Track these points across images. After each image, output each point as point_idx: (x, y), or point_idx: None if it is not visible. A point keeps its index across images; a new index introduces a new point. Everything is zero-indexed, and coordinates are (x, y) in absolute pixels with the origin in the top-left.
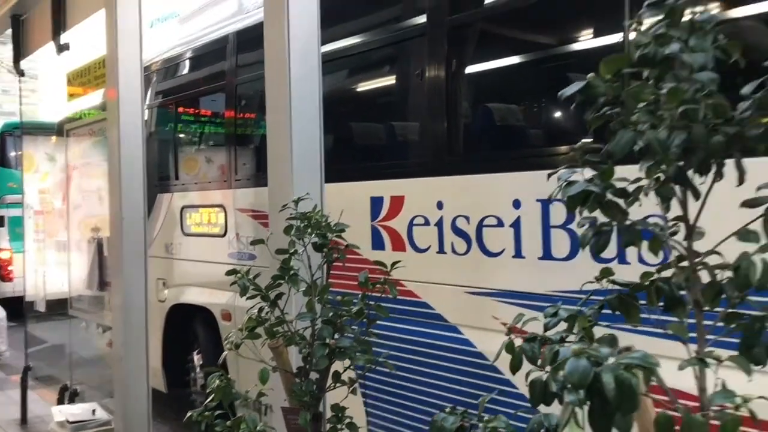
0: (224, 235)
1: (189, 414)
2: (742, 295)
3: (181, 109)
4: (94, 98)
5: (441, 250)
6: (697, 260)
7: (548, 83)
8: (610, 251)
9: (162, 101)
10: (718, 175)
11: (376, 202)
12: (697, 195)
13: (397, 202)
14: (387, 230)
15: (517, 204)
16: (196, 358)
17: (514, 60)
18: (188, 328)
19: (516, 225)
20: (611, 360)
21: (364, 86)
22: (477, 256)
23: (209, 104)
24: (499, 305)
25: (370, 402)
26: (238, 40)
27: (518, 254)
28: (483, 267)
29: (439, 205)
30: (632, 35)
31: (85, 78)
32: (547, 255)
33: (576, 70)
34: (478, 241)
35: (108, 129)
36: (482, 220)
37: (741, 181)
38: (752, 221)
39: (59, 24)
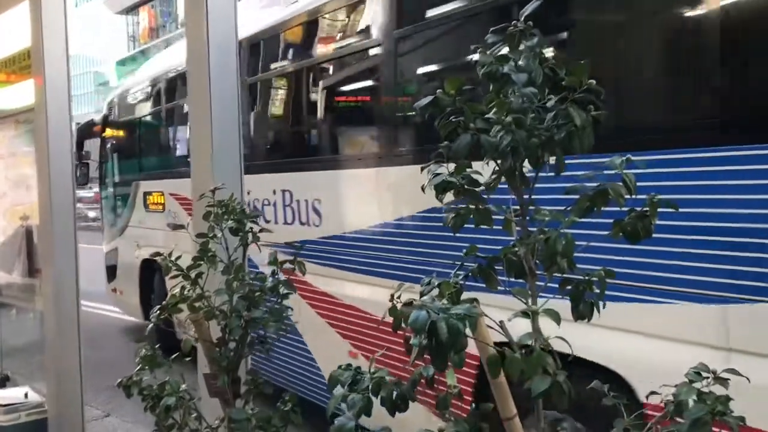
0: (164, 210)
1: (119, 380)
2: (569, 263)
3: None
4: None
5: None
6: (531, 237)
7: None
8: None
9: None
10: (542, 168)
11: None
12: (527, 184)
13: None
14: None
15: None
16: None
17: None
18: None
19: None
20: (444, 311)
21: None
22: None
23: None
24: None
25: None
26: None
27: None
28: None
29: None
30: (478, 56)
31: (9, 68)
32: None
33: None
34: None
35: (35, 118)
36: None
37: (557, 172)
38: (570, 206)
39: None
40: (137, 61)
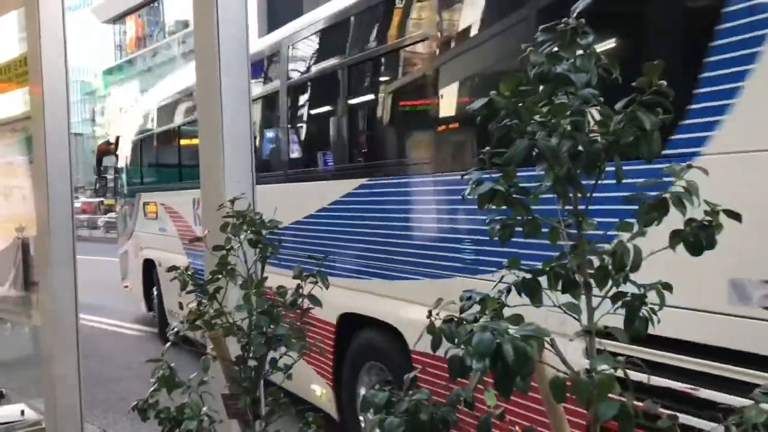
0: (157, 218)
1: (134, 403)
2: (624, 277)
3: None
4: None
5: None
6: (586, 248)
7: None
8: None
9: (134, 138)
10: (601, 176)
11: None
12: (584, 192)
13: None
14: None
15: None
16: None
17: None
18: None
19: None
20: (511, 332)
21: None
22: None
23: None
24: None
25: None
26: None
27: None
28: None
29: None
30: (529, 56)
31: (5, 75)
32: None
33: None
34: None
35: (33, 127)
36: None
37: (619, 180)
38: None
39: None
40: (124, 71)
